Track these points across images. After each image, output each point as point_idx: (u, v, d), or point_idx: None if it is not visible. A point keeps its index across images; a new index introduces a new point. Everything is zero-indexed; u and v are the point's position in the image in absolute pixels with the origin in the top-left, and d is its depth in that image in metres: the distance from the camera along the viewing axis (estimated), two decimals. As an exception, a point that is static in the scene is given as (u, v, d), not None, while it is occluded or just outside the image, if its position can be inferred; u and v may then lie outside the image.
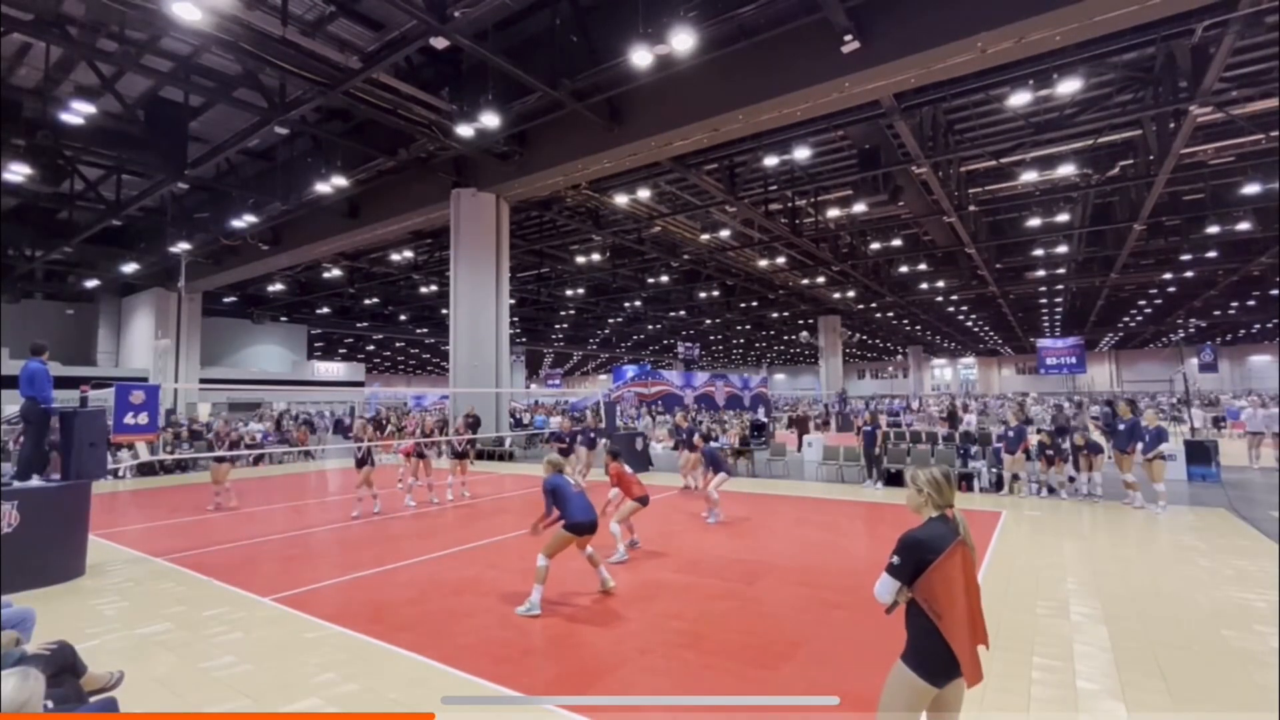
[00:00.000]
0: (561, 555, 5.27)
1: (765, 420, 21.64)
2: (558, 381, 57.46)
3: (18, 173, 12.77)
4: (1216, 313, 39.70)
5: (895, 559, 2.38)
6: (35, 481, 6.41)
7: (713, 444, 11.49)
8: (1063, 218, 19.07)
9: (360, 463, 9.72)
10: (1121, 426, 9.77)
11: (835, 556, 6.85)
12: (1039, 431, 10.54)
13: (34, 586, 5.81)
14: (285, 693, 3.76)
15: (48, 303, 28.42)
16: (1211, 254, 23.45)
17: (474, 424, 14.07)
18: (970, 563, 2.35)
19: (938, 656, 2.28)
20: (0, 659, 2.73)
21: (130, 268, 23.67)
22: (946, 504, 2.46)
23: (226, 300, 30.63)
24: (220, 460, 10.91)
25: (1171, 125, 12.79)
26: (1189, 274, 26.95)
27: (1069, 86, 11.43)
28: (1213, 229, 18.62)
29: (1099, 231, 21.08)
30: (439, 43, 9.75)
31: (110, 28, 10.60)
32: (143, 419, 7.45)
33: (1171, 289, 32.25)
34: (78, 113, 12.03)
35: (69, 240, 19.52)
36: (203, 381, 27.91)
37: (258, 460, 17.66)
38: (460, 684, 3.83)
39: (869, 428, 12.25)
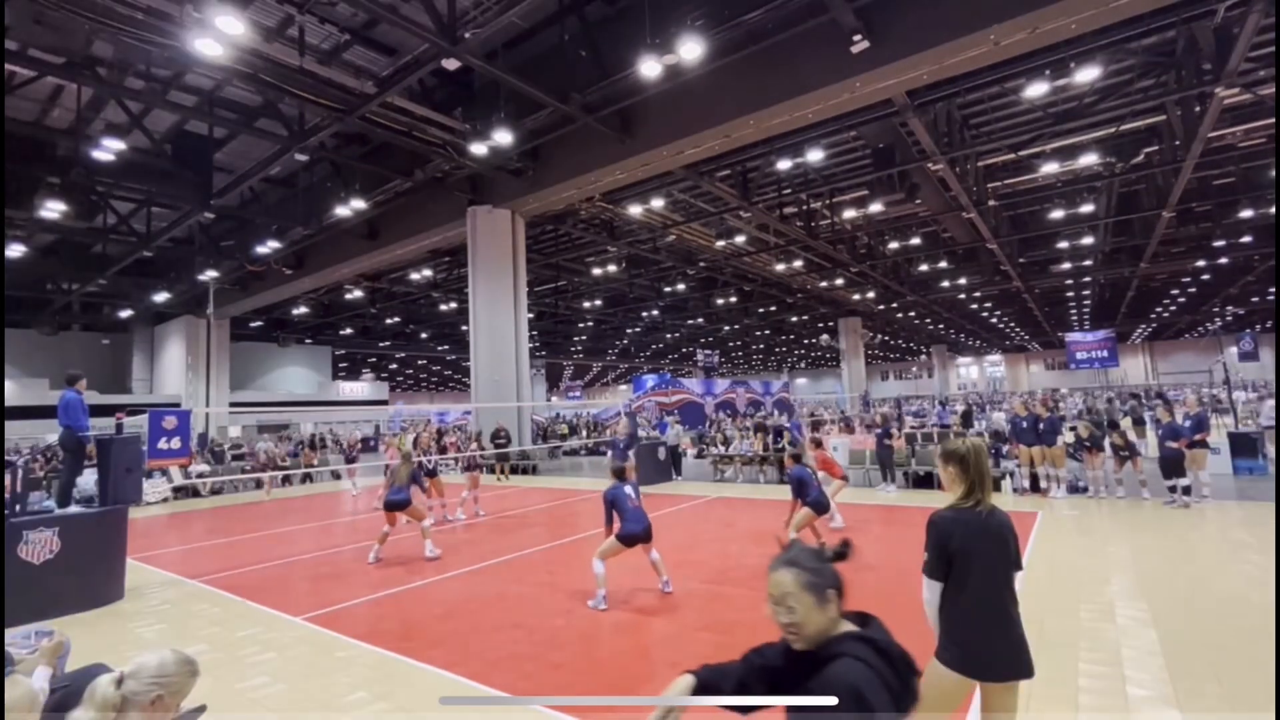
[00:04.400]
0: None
1: (787, 425, 21.36)
2: (578, 393, 57.60)
3: (54, 209, 13.26)
4: (1255, 299, 38.32)
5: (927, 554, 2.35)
6: (74, 509, 6.58)
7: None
8: (1087, 208, 18.61)
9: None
10: (1160, 432, 9.55)
11: (860, 562, 6.70)
12: (1072, 429, 10.26)
13: (74, 611, 5.94)
14: (319, 712, 3.78)
15: (85, 334, 29.40)
16: (1246, 239, 22.70)
17: (505, 440, 14.47)
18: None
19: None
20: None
21: (161, 297, 24.39)
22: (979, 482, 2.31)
23: (253, 325, 31.37)
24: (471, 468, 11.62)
25: (1197, 109, 12.45)
26: (1223, 260, 26.09)
27: (1087, 74, 11.20)
28: (1246, 213, 18.02)
29: (1126, 220, 20.52)
30: (450, 64, 9.92)
31: (137, 66, 11.00)
32: (175, 444, 7.62)
33: (1205, 276, 31.19)
34: (108, 149, 12.49)
35: (103, 273, 20.22)
36: (233, 405, 28.54)
37: (286, 480, 17.98)
38: (490, 701, 3.81)
39: (880, 430, 12.21)
